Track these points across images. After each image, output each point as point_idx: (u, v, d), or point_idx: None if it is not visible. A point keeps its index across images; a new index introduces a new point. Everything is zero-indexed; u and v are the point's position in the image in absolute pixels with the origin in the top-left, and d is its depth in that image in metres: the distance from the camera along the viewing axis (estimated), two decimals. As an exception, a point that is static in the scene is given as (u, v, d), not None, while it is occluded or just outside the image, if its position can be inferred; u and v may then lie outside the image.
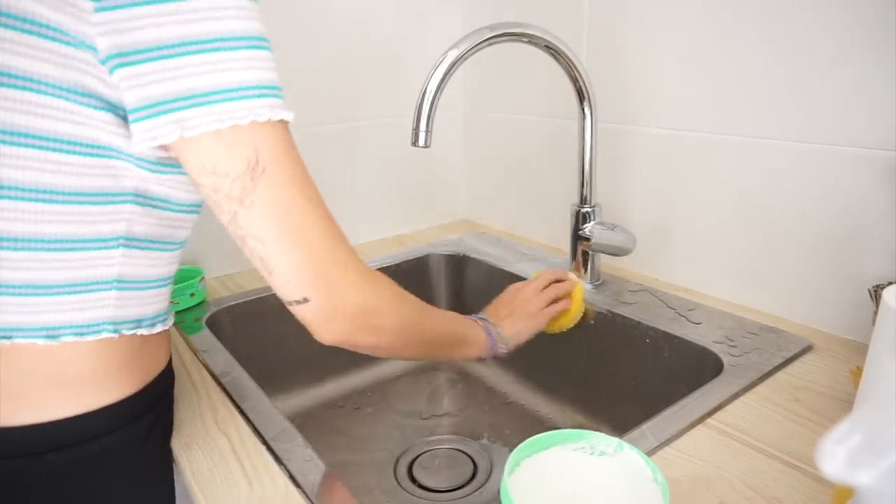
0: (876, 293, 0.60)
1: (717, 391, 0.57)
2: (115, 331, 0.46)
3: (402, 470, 0.75)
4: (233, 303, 0.82)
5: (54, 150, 0.40)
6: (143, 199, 0.45)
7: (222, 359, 0.67)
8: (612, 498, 0.37)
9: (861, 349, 0.63)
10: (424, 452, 0.78)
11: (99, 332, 0.45)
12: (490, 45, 0.65)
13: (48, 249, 0.42)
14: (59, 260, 0.42)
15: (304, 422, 0.82)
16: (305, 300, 0.44)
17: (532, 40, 0.69)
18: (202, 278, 0.83)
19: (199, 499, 0.47)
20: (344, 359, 0.92)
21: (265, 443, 0.53)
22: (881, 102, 0.59)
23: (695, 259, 0.80)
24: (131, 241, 0.45)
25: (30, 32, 0.39)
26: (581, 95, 0.74)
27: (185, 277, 0.80)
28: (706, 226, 0.77)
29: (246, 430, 0.55)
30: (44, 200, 0.41)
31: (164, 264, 0.49)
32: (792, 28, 0.64)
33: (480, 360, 0.64)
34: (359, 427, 0.82)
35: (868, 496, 0.32)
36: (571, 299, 0.73)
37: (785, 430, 0.52)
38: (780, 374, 0.61)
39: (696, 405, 0.55)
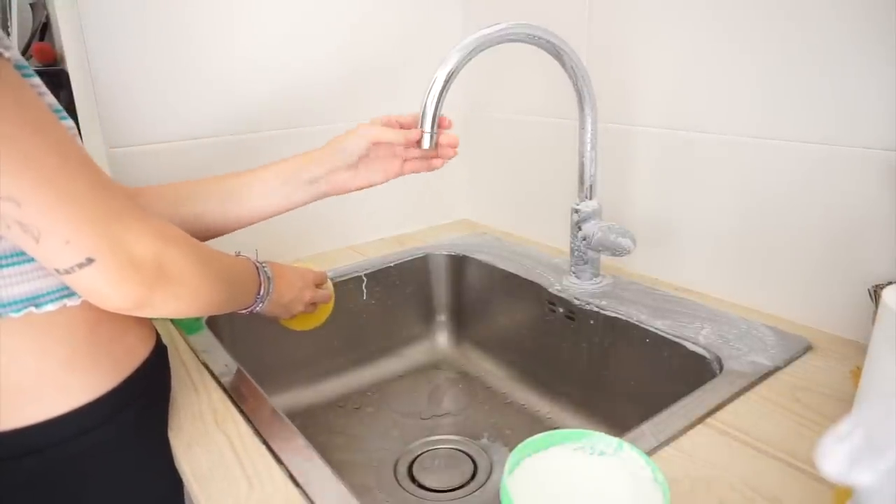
0: (876, 293, 0.60)
1: (717, 391, 0.57)
2: None
3: (402, 470, 0.75)
4: (233, 303, 0.82)
5: None
6: None
7: (222, 359, 0.67)
8: (612, 498, 0.38)
9: (861, 349, 0.63)
10: (424, 452, 0.78)
11: None
12: (492, 45, 0.65)
13: None
14: None
15: (304, 422, 0.82)
16: (90, 261, 0.38)
17: (532, 40, 0.69)
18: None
19: (199, 499, 0.47)
20: (344, 359, 0.92)
21: (265, 443, 0.53)
22: (881, 102, 0.59)
23: (695, 259, 0.80)
24: None
25: None
26: (581, 95, 0.74)
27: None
28: (706, 226, 0.77)
29: (246, 429, 0.55)
30: None
31: None
32: (793, 28, 0.64)
33: (245, 309, 0.59)
34: (359, 427, 0.82)
35: (867, 495, 0.32)
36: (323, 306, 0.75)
37: (785, 430, 0.52)
38: (780, 374, 0.61)
39: (696, 405, 0.55)
